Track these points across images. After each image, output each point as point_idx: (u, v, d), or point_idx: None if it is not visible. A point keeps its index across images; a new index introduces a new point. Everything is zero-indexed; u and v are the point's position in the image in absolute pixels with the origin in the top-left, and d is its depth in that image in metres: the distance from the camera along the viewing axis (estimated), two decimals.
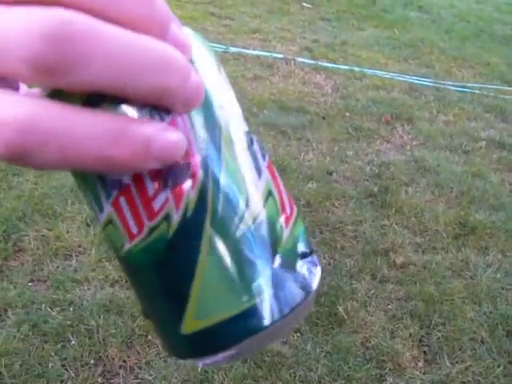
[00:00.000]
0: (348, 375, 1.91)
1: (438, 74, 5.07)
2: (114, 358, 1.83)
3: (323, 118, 3.80)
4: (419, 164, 3.38)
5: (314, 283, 0.29)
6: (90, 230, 2.35)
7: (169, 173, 0.24)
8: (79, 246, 2.27)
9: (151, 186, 0.25)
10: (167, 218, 0.25)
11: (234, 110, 0.28)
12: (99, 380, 1.77)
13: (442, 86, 4.76)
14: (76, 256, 2.23)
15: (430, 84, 4.77)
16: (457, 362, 2.03)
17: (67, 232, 2.32)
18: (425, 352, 2.06)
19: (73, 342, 1.86)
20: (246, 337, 0.26)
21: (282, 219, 0.28)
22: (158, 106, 0.23)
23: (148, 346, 1.89)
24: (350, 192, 2.96)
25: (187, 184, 0.25)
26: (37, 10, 0.18)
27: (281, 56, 4.80)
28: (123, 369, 1.82)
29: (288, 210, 0.29)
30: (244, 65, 4.48)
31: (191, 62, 0.24)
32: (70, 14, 0.19)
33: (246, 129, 0.28)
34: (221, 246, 0.26)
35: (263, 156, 0.28)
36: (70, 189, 2.56)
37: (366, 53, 5.34)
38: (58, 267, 2.16)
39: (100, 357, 1.84)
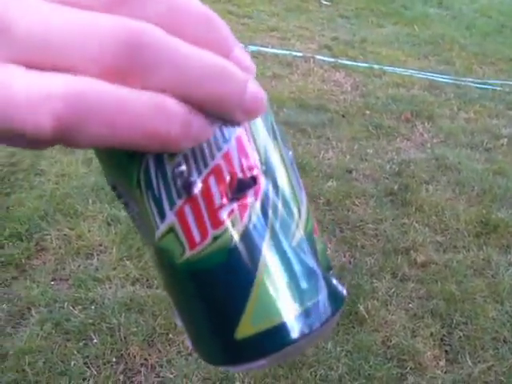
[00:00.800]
0: (369, 374, 1.91)
1: (458, 71, 5.03)
2: (135, 356, 1.85)
3: (343, 116, 3.79)
4: (440, 162, 3.35)
5: (344, 291, 0.31)
6: (111, 229, 2.37)
7: (236, 183, 0.26)
8: (100, 245, 2.29)
9: (218, 196, 0.26)
10: (232, 226, 0.26)
11: (281, 131, 0.30)
12: (121, 378, 1.78)
13: (462, 82, 4.72)
14: (97, 255, 2.25)
15: (451, 81, 4.72)
16: (479, 362, 2.01)
17: (88, 231, 2.35)
18: (446, 351, 2.05)
19: (95, 340, 1.88)
20: (293, 342, 0.27)
21: (314, 234, 0.30)
22: (226, 121, 0.25)
23: (169, 345, 1.90)
24: (370, 190, 2.94)
25: (251, 195, 0.26)
26: (118, 17, 0.21)
27: (300, 54, 4.79)
28: (144, 367, 1.83)
29: (316, 227, 0.30)
30: (263, 63, 4.47)
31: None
32: (147, 25, 0.21)
33: (291, 149, 0.30)
34: (279, 254, 0.27)
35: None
36: (91, 188, 2.59)
37: (385, 50, 5.31)
38: (79, 266, 2.18)
39: (121, 355, 1.85)
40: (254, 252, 0.27)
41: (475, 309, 2.23)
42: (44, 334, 1.87)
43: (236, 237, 0.26)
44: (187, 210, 0.26)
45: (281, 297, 0.27)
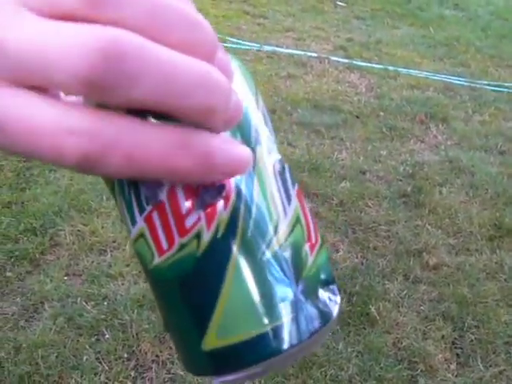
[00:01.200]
0: (379, 375, 1.90)
1: (473, 73, 5.00)
2: (146, 353, 1.86)
3: (357, 117, 3.78)
4: (453, 164, 3.34)
5: (334, 311, 0.29)
6: (125, 226, 2.37)
7: (203, 192, 0.25)
8: (114, 242, 2.31)
9: (185, 204, 0.25)
10: (198, 236, 0.25)
11: (268, 138, 0.29)
12: (132, 374, 1.79)
13: (477, 85, 4.70)
14: (111, 251, 2.26)
15: (466, 83, 4.70)
16: (490, 366, 2.00)
17: (102, 227, 2.36)
18: (457, 354, 2.04)
19: (107, 336, 1.89)
20: (263, 359, 0.27)
21: (307, 246, 0.29)
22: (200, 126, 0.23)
23: None
24: (383, 192, 2.94)
25: (220, 205, 0.25)
26: (90, 27, 0.19)
27: (315, 55, 4.79)
28: (156, 363, 1.84)
29: (313, 238, 0.29)
30: (278, 63, 4.48)
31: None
32: (123, 32, 0.19)
33: (279, 157, 0.29)
34: (247, 269, 0.26)
35: (293, 183, 0.29)
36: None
37: (400, 52, 5.29)
38: (92, 262, 2.19)
39: (133, 351, 1.86)
40: (220, 263, 0.26)
41: (487, 312, 2.22)
42: (57, 328, 1.89)
43: (202, 246, 0.25)
44: (155, 216, 0.25)
45: (247, 312, 0.26)
